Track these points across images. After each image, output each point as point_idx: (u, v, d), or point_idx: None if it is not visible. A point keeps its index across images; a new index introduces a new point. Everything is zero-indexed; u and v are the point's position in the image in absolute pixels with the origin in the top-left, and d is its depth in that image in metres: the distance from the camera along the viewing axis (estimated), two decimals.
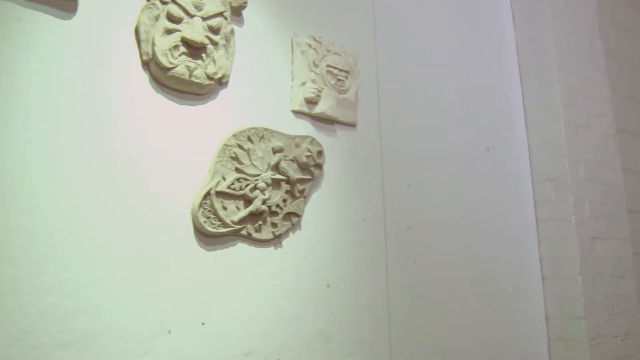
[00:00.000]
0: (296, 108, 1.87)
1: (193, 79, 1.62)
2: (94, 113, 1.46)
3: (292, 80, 1.89)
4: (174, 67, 1.58)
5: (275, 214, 1.76)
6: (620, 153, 2.72)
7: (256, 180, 1.73)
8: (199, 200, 1.60)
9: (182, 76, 1.60)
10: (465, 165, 2.33)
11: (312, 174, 1.85)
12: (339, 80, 1.96)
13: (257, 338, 1.65)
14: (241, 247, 1.69)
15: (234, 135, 1.72)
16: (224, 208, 1.66)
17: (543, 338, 2.44)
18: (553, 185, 2.48)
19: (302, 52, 1.91)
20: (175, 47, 1.60)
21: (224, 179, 1.68)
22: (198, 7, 1.66)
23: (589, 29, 2.74)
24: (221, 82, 1.73)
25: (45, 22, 1.43)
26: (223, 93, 1.74)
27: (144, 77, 1.58)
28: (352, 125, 2.00)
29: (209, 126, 1.69)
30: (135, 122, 1.53)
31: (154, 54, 1.56)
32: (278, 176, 1.78)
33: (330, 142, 1.94)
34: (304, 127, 1.89)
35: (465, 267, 2.22)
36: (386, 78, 2.15)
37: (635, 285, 2.62)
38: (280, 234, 1.76)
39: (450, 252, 2.18)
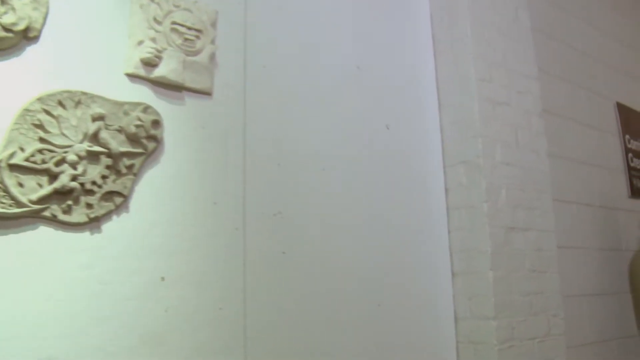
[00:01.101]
0: (130, 71, 1.60)
1: None
2: None
3: (129, 38, 1.61)
4: None
5: (90, 192, 1.48)
6: (546, 135, 2.44)
7: (65, 152, 1.45)
8: None
9: None
10: (358, 143, 2.05)
11: (144, 147, 1.57)
12: (187, 40, 1.68)
13: (60, 341, 1.37)
14: (44, 232, 1.41)
15: (40, 99, 1.44)
16: (20, 184, 1.39)
17: (451, 341, 2.15)
18: (465, 169, 2.20)
19: (141, 6, 1.63)
20: None
21: (21, 149, 1.40)
22: None
23: None
24: (27, 36, 1.46)
25: None
26: (31, 49, 1.46)
27: None
28: (206, 93, 1.72)
29: (10, 88, 1.41)
30: None
31: None
32: (96, 148, 1.49)
33: (176, 112, 1.66)
34: (141, 94, 1.61)
35: (353, 261, 1.94)
36: (258, 41, 1.87)
37: (560, 281, 2.34)
38: (98, 217, 1.48)
39: (334, 243, 1.90)
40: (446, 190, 2.27)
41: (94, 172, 1.49)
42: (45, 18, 1.50)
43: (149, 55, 1.60)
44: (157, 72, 1.62)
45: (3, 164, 1.36)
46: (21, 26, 1.43)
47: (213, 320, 1.60)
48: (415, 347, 2.06)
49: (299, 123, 1.90)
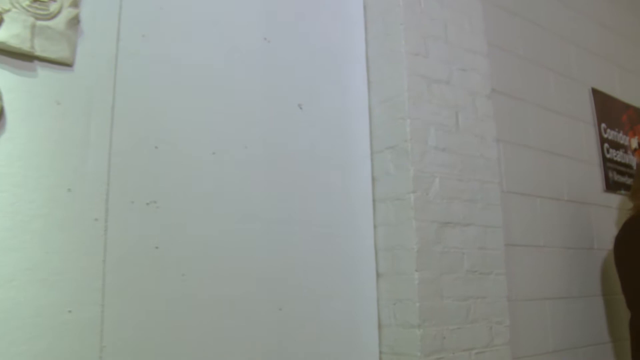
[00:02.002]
0: None
1: None
2: None
3: None
4: None
5: None
6: (495, 119, 2.16)
7: None
8: None
9: None
10: (262, 125, 1.80)
11: None
12: (36, 0, 1.44)
13: None
14: None
15: None
16: None
17: (374, 351, 1.89)
18: (392, 155, 1.94)
19: None
20: None
21: None
22: None
23: None
24: None
25: None
26: None
27: None
28: (64, 64, 1.48)
29: None
30: None
31: None
32: None
33: (23, 84, 1.42)
34: None
35: (249, 260, 1.69)
36: (137, 6, 1.63)
37: (506, 283, 2.07)
38: None
39: (224, 239, 1.65)
40: (373, 179, 2.01)
41: None
42: None
43: None
44: None
45: None
46: None
47: (58, 327, 1.36)
48: (330, 356, 1.80)
49: (185, 100, 1.66)
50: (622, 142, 3.16)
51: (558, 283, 2.58)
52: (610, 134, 3.10)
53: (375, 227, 1.97)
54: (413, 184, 1.86)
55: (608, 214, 2.97)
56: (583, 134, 2.97)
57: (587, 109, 3.04)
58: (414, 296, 1.81)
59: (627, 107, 3.28)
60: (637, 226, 2.47)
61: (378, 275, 1.95)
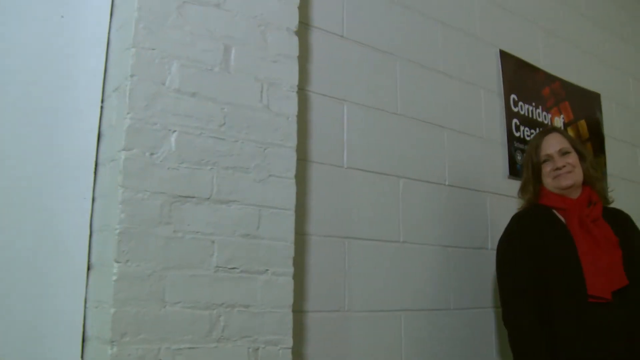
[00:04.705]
0: None
1: None
2: None
3: None
4: None
5: None
6: (319, 66, 1.59)
7: None
8: None
9: None
10: None
11: None
12: None
13: None
14: None
15: None
16: None
17: None
18: (117, 100, 1.38)
19: None
20: None
21: None
22: None
23: None
24: None
25: None
26: None
27: None
28: None
29: None
30: None
31: None
32: None
33: None
34: None
35: None
36: None
37: (292, 287, 1.49)
38: None
39: None
40: (100, 135, 1.45)
41: None
42: None
43: None
44: None
45: None
46: None
47: None
48: None
49: None
50: (540, 119, 2.54)
51: (428, 291, 1.99)
52: (524, 109, 2.48)
53: (94, 199, 1.41)
54: (126, 138, 1.30)
55: (512, 205, 2.33)
56: (483, 104, 2.36)
57: (492, 75, 2.43)
58: (109, 298, 1.24)
59: (552, 79, 2.66)
60: (515, 223, 1.87)
61: (89, 267, 1.38)
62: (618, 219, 1.88)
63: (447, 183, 2.15)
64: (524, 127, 2.45)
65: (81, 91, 1.44)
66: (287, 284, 1.48)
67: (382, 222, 1.89)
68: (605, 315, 1.67)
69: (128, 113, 1.31)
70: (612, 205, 1.96)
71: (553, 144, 1.86)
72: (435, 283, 2.03)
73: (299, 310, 1.60)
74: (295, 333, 1.49)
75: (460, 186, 2.19)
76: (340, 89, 1.85)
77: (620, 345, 1.66)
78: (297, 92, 1.58)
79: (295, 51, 1.59)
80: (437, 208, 2.09)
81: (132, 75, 1.32)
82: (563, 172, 1.82)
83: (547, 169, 1.86)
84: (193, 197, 1.36)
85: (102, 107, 1.45)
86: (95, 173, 1.42)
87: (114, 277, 1.24)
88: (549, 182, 1.86)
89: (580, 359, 1.66)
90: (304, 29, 1.77)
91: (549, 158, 1.85)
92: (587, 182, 1.85)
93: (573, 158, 1.84)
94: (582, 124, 2.78)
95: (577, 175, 1.83)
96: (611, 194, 1.98)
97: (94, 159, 1.43)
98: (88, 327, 1.35)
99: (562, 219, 1.83)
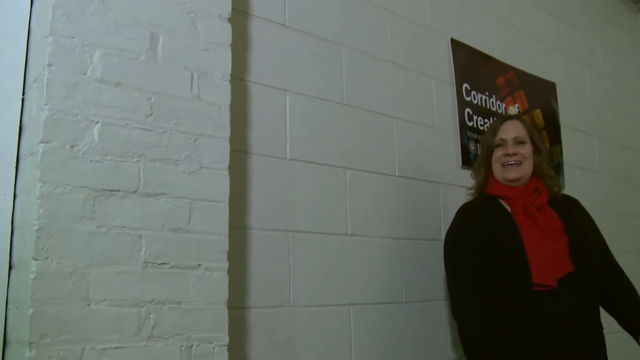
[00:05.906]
0: None
1: None
2: None
3: None
4: None
5: None
6: (254, 54, 1.54)
7: None
8: None
9: None
10: None
11: None
12: None
13: None
14: None
15: None
16: None
17: None
18: (37, 91, 1.32)
19: None
20: None
21: None
22: None
23: None
24: None
25: None
26: None
27: None
28: None
29: None
30: None
31: None
32: None
33: None
34: None
35: None
36: None
37: (227, 282, 1.45)
38: None
39: None
40: (21, 129, 1.39)
41: None
42: None
43: None
44: None
45: None
46: None
47: None
48: None
49: None
50: (494, 109, 2.53)
51: (378, 284, 1.97)
52: (477, 98, 2.47)
53: (15, 196, 1.35)
54: (44, 130, 1.24)
55: (465, 195, 2.32)
56: (435, 94, 2.34)
57: (443, 64, 2.41)
58: (27, 298, 1.18)
59: (506, 68, 2.65)
60: (462, 215, 1.86)
61: (11, 266, 1.32)
62: (566, 205, 1.87)
63: (397, 174, 2.12)
64: (477, 117, 2.44)
65: (1, 83, 1.38)
66: (221, 279, 1.43)
67: (328, 214, 1.86)
68: (552, 303, 1.66)
69: (46, 104, 1.25)
70: (565, 192, 1.95)
71: (510, 131, 1.83)
72: (385, 276, 2.00)
73: (238, 306, 1.56)
74: (235, 330, 1.45)
75: (411, 177, 2.17)
76: (282, 79, 1.81)
77: (569, 332, 1.65)
78: (233, 82, 1.54)
79: (227, 39, 1.54)
80: (387, 199, 2.06)
81: (49, 65, 1.26)
82: (512, 163, 1.79)
83: (498, 153, 1.83)
84: (118, 191, 1.31)
85: (23, 99, 1.38)
86: (16, 168, 1.36)
87: (32, 276, 1.19)
88: (497, 168, 1.84)
89: (529, 348, 1.65)
90: (242, 17, 1.73)
91: (503, 143, 1.83)
92: (537, 177, 1.83)
93: (526, 149, 1.81)
94: (538, 113, 2.78)
95: (526, 169, 1.80)
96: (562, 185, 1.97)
97: (16, 153, 1.36)
98: (9, 329, 1.29)
99: (508, 208, 1.82)
